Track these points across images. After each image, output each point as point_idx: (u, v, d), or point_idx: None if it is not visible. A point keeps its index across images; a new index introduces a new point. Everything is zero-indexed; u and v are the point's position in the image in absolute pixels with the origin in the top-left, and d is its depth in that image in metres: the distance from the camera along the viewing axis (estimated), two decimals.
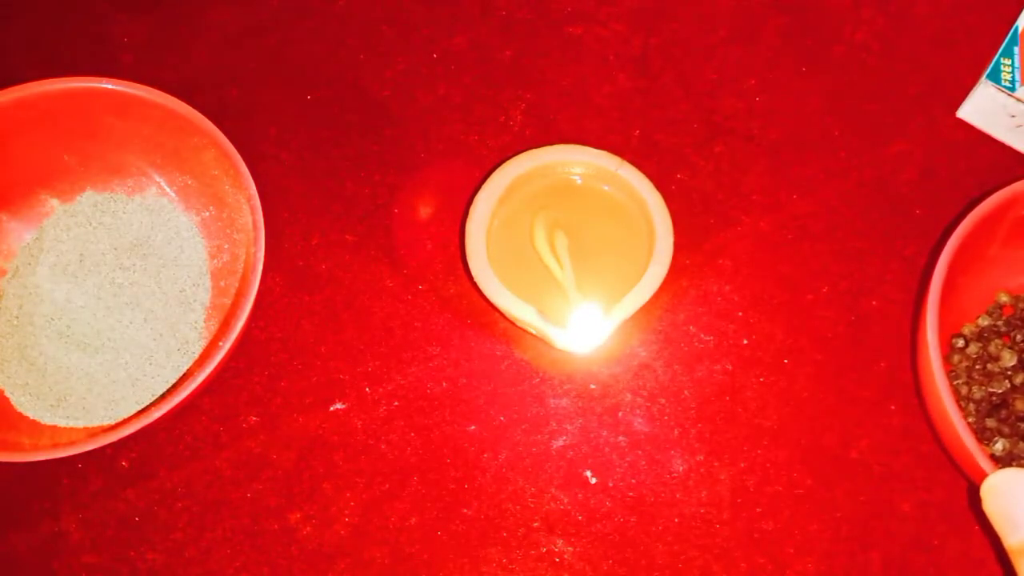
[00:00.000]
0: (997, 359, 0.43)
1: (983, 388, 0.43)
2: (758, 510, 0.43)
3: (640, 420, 0.45)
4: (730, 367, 0.45)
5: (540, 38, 0.52)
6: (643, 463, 0.44)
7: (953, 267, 0.40)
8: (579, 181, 0.46)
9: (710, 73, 0.51)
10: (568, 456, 0.44)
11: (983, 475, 0.36)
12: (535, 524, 0.43)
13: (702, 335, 0.46)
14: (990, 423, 0.42)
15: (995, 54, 0.47)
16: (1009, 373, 0.43)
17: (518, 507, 0.43)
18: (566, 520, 0.43)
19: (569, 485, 0.43)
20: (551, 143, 0.46)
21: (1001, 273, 0.45)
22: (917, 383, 0.43)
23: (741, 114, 0.50)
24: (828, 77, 0.51)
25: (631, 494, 0.43)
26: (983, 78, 0.47)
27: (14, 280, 0.46)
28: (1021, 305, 0.45)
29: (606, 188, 0.45)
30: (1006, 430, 0.42)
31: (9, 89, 0.43)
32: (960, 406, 0.43)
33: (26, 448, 0.41)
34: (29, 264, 0.46)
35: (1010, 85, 0.46)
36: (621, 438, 0.44)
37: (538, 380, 0.45)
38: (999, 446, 0.41)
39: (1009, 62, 0.46)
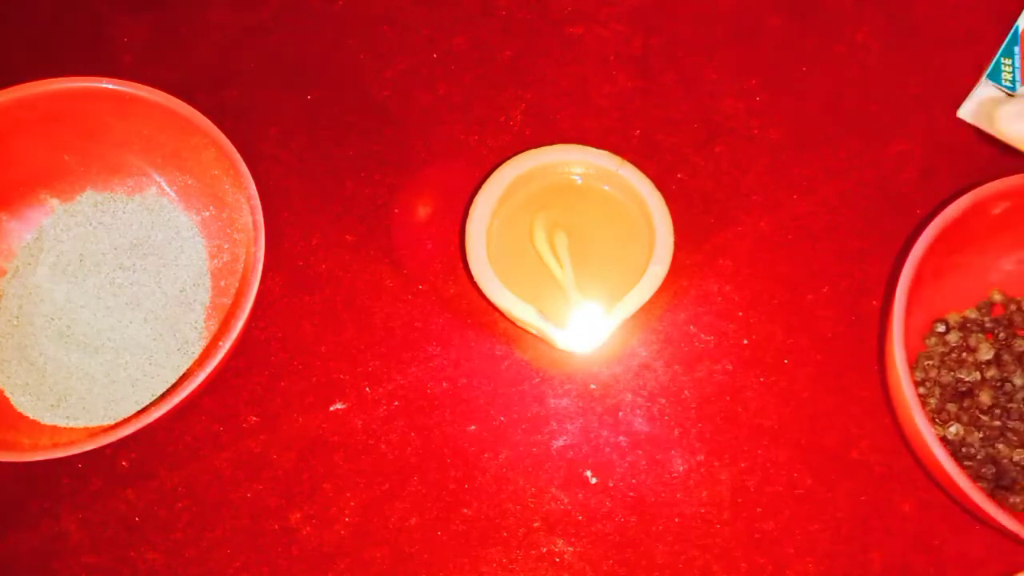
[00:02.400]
0: (974, 351, 0.43)
1: (952, 374, 0.43)
2: (758, 510, 0.43)
3: (640, 420, 0.45)
4: (730, 367, 0.45)
5: (540, 38, 0.52)
6: (643, 463, 0.44)
7: (940, 253, 0.40)
8: (579, 181, 0.46)
9: (710, 73, 0.51)
10: (568, 456, 0.44)
11: (930, 457, 0.37)
12: (535, 524, 0.43)
13: (702, 335, 0.46)
14: (951, 407, 0.42)
15: (995, 54, 0.47)
16: (982, 366, 0.43)
17: (518, 507, 0.43)
18: (566, 520, 0.43)
19: (569, 485, 0.43)
20: (551, 143, 0.46)
21: (999, 272, 0.45)
22: (881, 361, 0.43)
23: (741, 114, 0.50)
24: (828, 77, 0.51)
25: (631, 494, 0.43)
26: (983, 78, 0.47)
27: (14, 280, 0.46)
28: (1012, 307, 0.45)
29: (606, 188, 0.45)
30: (964, 418, 0.42)
31: (9, 89, 0.43)
32: (917, 382, 0.43)
33: (26, 448, 0.41)
34: (29, 264, 0.46)
35: (1010, 85, 0.46)
36: (621, 438, 0.44)
37: (538, 380, 0.45)
38: (953, 429, 0.42)
39: (1009, 62, 0.46)
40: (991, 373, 0.43)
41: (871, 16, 0.52)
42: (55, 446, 0.39)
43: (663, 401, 0.45)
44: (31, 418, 0.43)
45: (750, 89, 0.50)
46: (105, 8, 0.53)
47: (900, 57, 0.51)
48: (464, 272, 0.46)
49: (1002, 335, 0.44)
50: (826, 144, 0.49)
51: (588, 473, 0.44)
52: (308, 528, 0.43)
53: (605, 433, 0.44)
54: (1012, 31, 0.47)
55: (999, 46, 0.47)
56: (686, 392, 0.45)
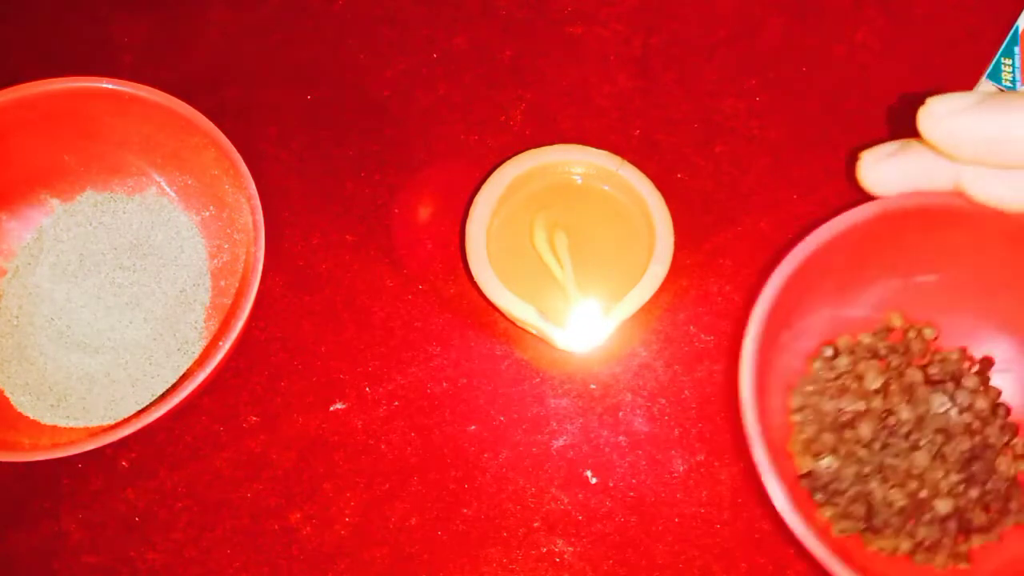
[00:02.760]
0: (861, 378, 0.40)
1: (834, 402, 0.40)
2: (758, 510, 0.43)
3: (640, 420, 0.45)
4: (730, 367, 0.45)
5: (540, 38, 0.52)
6: (643, 463, 0.44)
7: (837, 270, 0.38)
8: (579, 181, 0.46)
9: (710, 73, 0.51)
10: (568, 456, 0.44)
11: (769, 500, 0.34)
12: (535, 524, 0.43)
13: (702, 335, 0.46)
14: (827, 438, 0.39)
15: (995, 54, 0.47)
16: (868, 395, 0.40)
17: (518, 507, 0.43)
18: (566, 520, 0.43)
19: (569, 485, 0.43)
20: (551, 143, 0.46)
21: (901, 295, 0.42)
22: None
23: (741, 114, 0.50)
24: (828, 77, 0.51)
25: (631, 494, 0.43)
26: (983, 78, 0.47)
27: (14, 280, 0.46)
28: (911, 334, 0.41)
29: (606, 188, 0.45)
30: (841, 451, 0.39)
31: (9, 89, 0.43)
32: (794, 409, 0.40)
33: (26, 448, 0.41)
34: (29, 264, 0.46)
35: (1010, 85, 0.46)
36: (621, 438, 0.44)
37: (538, 380, 0.45)
38: (825, 462, 0.38)
39: (1009, 62, 0.46)
40: (876, 403, 0.39)
41: (871, 16, 0.52)
42: (55, 446, 0.39)
43: (663, 401, 0.45)
44: (31, 418, 0.43)
45: (750, 89, 0.50)
46: (105, 8, 0.53)
47: (900, 57, 0.51)
48: (464, 272, 0.46)
49: (895, 363, 0.40)
50: (826, 144, 0.49)
51: (588, 473, 0.44)
52: (308, 528, 0.43)
53: (605, 433, 0.44)
54: (1012, 31, 0.47)
55: (999, 46, 0.47)
56: (686, 392, 0.45)
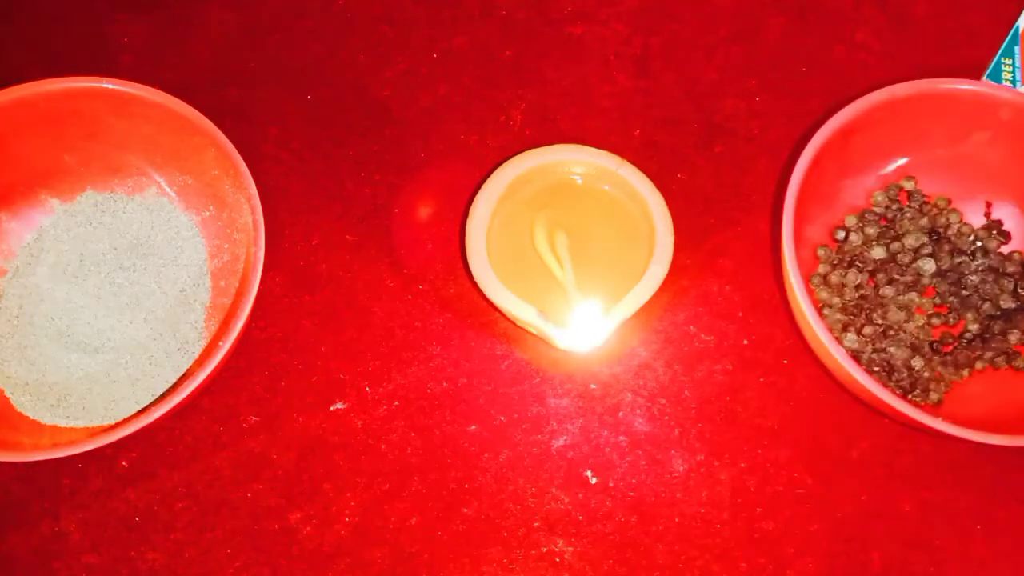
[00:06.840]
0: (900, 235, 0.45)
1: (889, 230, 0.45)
2: (758, 510, 0.43)
3: (640, 420, 0.45)
4: (730, 367, 0.45)
5: (540, 38, 0.52)
6: (643, 463, 0.44)
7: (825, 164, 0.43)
8: (579, 181, 0.46)
9: (710, 73, 0.51)
10: (568, 456, 0.44)
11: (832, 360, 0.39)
12: (535, 524, 0.43)
13: (702, 335, 0.46)
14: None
15: (995, 54, 0.47)
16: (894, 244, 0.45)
17: (518, 507, 0.43)
18: (566, 520, 0.43)
19: (569, 485, 0.43)
20: (551, 143, 0.46)
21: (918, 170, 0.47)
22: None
23: (741, 114, 0.50)
24: (828, 77, 0.51)
25: (631, 494, 0.43)
26: (983, 78, 0.47)
27: (14, 280, 0.46)
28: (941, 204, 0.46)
29: (606, 188, 0.45)
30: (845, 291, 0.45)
31: (9, 89, 0.43)
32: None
33: (26, 448, 0.41)
34: (29, 264, 0.46)
35: (1011, 85, 0.46)
36: (621, 438, 0.44)
37: (538, 380, 0.45)
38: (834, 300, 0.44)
39: (1009, 62, 0.46)
40: (910, 242, 0.45)
41: (871, 16, 0.52)
42: (55, 446, 0.39)
43: (663, 401, 0.45)
44: (31, 418, 0.43)
45: (750, 89, 0.50)
46: (105, 8, 0.53)
47: (900, 57, 0.51)
48: (464, 272, 0.46)
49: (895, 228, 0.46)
50: None
51: (588, 473, 0.44)
52: (308, 528, 0.43)
53: (605, 433, 0.44)
54: (1012, 31, 0.47)
55: (999, 46, 0.47)
56: (686, 392, 0.45)
